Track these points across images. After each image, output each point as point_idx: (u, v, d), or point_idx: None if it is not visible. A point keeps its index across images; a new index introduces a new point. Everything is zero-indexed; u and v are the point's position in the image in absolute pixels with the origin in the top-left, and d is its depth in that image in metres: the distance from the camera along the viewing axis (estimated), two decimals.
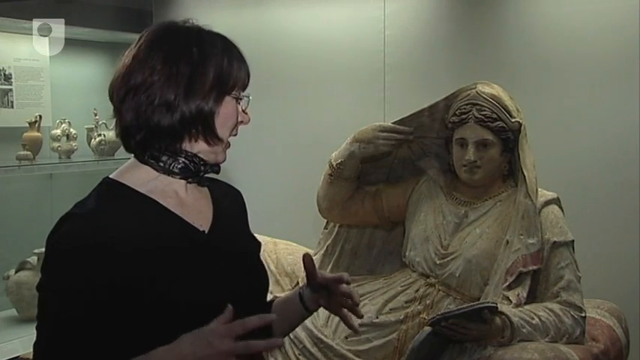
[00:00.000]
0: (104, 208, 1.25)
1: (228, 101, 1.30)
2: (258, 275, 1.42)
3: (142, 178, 1.30)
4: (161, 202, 1.28)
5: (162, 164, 1.29)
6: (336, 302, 1.42)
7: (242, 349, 1.13)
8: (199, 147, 1.30)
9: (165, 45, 1.28)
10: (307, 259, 1.40)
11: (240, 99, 1.32)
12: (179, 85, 1.26)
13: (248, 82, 1.33)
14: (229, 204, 1.43)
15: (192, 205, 1.32)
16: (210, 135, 1.29)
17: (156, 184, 1.30)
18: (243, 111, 1.34)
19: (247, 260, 1.38)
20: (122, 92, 1.28)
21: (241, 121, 1.34)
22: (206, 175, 1.41)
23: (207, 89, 1.27)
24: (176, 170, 1.30)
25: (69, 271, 1.19)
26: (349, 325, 1.44)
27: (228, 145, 1.35)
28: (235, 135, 1.35)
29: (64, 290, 1.19)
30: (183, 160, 1.29)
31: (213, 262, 1.29)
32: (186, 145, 1.30)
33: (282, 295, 1.60)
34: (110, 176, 1.32)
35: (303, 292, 1.46)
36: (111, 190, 1.29)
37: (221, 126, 1.30)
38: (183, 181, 1.32)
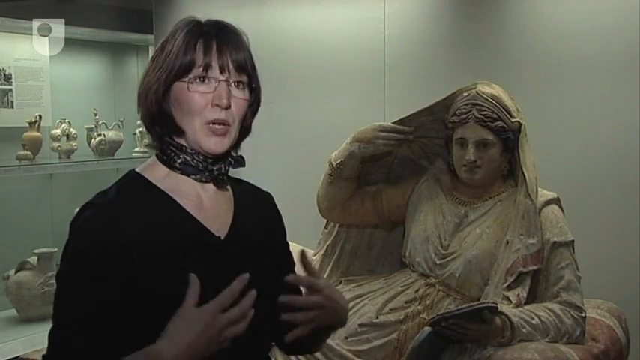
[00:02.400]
0: (122, 200, 1.25)
1: (178, 87, 1.25)
2: (274, 283, 1.36)
3: (159, 173, 1.30)
4: (179, 202, 1.28)
5: (165, 158, 1.29)
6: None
7: (237, 315, 1.17)
8: (185, 140, 1.28)
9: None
10: (303, 257, 1.36)
11: (191, 82, 1.24)
12: (142, 82, 1.28)
13: (213, 64, 1.25)
14: (254, 209, 1.39)
15: (210, 209, 1.30)
16: (172, 124, 1.27)
17: (176, 183, 1.29)
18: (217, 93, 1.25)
19: (263, 268, 1.33)
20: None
21: (216, 104, 1.25)
22: (236, 178, 1.39)
23: (155, 78, 1.26)
24: (177, 165, 1.29)
25: (82, 260, 1.20)
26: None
27: (224, 124, 1.25)
28: (218, 120, 1.25)
29: (78, 278, 1.20)
30: (183, 155, 1.28)
31: (224, 267, 1.26)
32: (182, 140, 1.28)
33: None
34: (136, 169, 1.32)
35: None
36: (132, 183, 1.29)
37: (179, 113, 1.26)
38: (204, 184, 1.30)
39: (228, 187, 1.37)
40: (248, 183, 1.45)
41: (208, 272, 1.24)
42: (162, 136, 1.29)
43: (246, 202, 1.38)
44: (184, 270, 1.22)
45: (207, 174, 1.30)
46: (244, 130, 1.33)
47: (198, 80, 1.25)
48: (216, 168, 1.30)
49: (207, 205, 1.30)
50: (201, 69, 1.25)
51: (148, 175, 1.30)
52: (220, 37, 1.27)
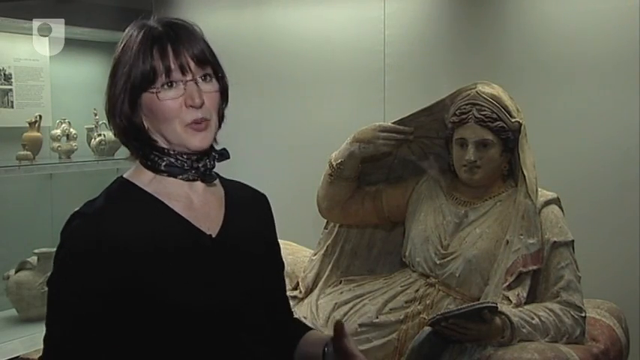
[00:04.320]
0: (111, 208, 1.25)
1: (147, 98, 1.24)
2: (268, 282, 1.37)
3: (146, 178, 1.30)
4: (168, 204, 1.27)
5: (150, 163, 1.29)
6: None
7: None
8: (166, 143, 1.27)
9: (115, 52, 1.30)
10: (339, 326, 1.31)
11: (159, 91, 1.23)
12: (107, 98, 1.28)
13: (174, 67, 1.23)
14: (248, 208, 1.39)
15: (200, 209, 1.30)
16: (145, 138, 1.27)
17: (163, 186, 1.28)
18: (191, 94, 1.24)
19: (257, 266, 1.34)
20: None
21: (190, 105, 1.24)
22: (231, 179, 1.39)
23: (121, 94, 1.25)
24: (162, 168, 1.28)
25: (70, 268, 1.21)
26: None
27: (203, 121, 1.25)
28: (197, 119, 1.24)
29: (67, 288, 1.20)
30: (167, 157, 1.28)
31: (217, 266, 1.27)
32: (164, 143, 1.28)
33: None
34: (124, 175, 1.32)
35: (327, 349, 1.36)
36: (121, 190, 1.29)
37: (156, 123, 1.25)
38: (192, 183, 1.30)
39: (217, 183, 1.36)
40: (243, 184, 1.44)
41: (201, 271, 1.25)
42: (141, 148, 1.29)
43: (238, 201, 1.37)
44: (177, 271, 1.22)
45: (193, 172, 1.29)
46: (219, 119, 1.32)
47: (165, 87, 1.24)
48: (202, 165, 1.30)
49: (197, 205, 1.30)
50: (164, 76, 1.23)
51: (135, 180, 1.29)
52: (173, 38, 1.25)
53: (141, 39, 1.25)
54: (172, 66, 1.23)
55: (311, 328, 1.51)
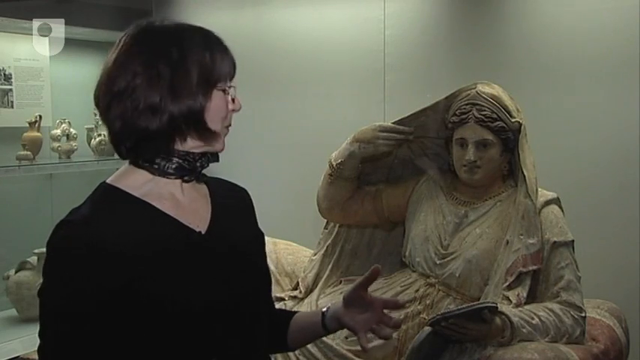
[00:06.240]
0: (97, 214, 1.24)
1: (216, 95, 1.28)
2: (259, 275, 1.41)
3: (138, 181, 1.29)
4: (156, 205, 1.27)
5: (156, 166, 1.28)
6: (363, 322, 1.45)
7: None
8: (193, 144, 1.28)
9: (144, 47, 1.26)
10: (375, 270, 1.42)
11: (227, 91, 1.30)
12: (162, 87, 1.23)
13: (234, 72, 1.32)
14: (231, 203, 1.41)
15: (188, 206, 1.31)
16: (203, 131, 1.27)
17: (151, 187, 1.29)
18: (233, 100, 1.32)
19: (247, 260, 1.37)
20: (107, 99, 1.26)
21: (232, 110, 1.32)
22: (211, 176, 1.41)
23: (192, 87, 1.25)
24: (171, 171, 1.28)
25: (62, 277, 1.20)
26: (363, 346, 1.48)
27: (226, 132, 1.34)
28: (229, 125, 1.33)
29: (60, 296, 1.20)
30: (177, 159, 1.28)
31: (210, 262, 1.28)
32: (179, 145, 1.28)
33: (285, 295, 1.60)
34: (107, 181, 1.31)
35: (327, 311, 1.47)
36: (105, 195, 1.29)
37: (212, 120, 1.28)
38: (179, 182, 1.30)
39: (202, 183, 1.38)
40: (223, 180, 1.46)
41: (192, 267, 1.25)
42: (151, 150, 1.28)
43: (222, 197, 1.39)
44: (169, 269, 1.23)
45: (194, 173, 1.32)
46: None
47: (227, 89, 1.30)
48: (199, 165, 1.32)
49: (185, 203, 1.31)
50: (228, 78, 1.30)
51: (120, 184, 1.29)
52: (223, 44, 1.32)
53: (207, 40, 1.30)
54: (232, 72, 1.32)
55: (297, 312, 1.57)
